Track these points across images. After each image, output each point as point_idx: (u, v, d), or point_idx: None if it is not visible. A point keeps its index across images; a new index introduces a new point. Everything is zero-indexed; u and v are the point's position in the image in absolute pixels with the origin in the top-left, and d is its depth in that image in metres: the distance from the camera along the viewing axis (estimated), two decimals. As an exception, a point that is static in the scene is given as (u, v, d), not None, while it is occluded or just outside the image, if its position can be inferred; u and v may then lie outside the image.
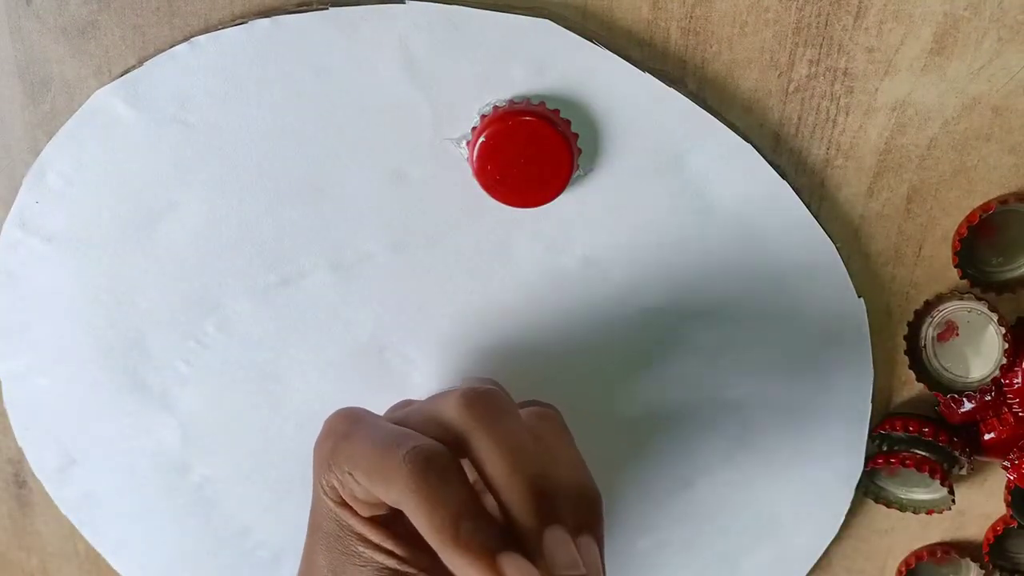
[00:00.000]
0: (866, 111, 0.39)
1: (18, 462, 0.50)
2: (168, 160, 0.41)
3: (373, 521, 0.37)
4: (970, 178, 0.40)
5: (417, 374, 0.45)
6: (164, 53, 0.39)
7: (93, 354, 0.45)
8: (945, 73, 0.38)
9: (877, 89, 0.39)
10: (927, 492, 0.47)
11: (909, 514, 0.47)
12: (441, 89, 0.39)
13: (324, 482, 0.37)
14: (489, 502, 0.34)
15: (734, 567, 0.49)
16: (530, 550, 0.33)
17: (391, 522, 0.37)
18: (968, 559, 0.48)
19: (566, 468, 0.36)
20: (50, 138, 0.41)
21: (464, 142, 0.39)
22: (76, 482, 0.49)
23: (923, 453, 0.45)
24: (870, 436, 0.46)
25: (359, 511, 0.36)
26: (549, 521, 0.33)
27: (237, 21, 0.38)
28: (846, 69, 0.38)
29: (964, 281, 0.42)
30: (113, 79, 0.40)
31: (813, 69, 0.38)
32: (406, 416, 0.37)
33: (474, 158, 0.38)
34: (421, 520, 0.33)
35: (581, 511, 0.35)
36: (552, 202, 0.39)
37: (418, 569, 0.37)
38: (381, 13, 0.38)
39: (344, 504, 0.37)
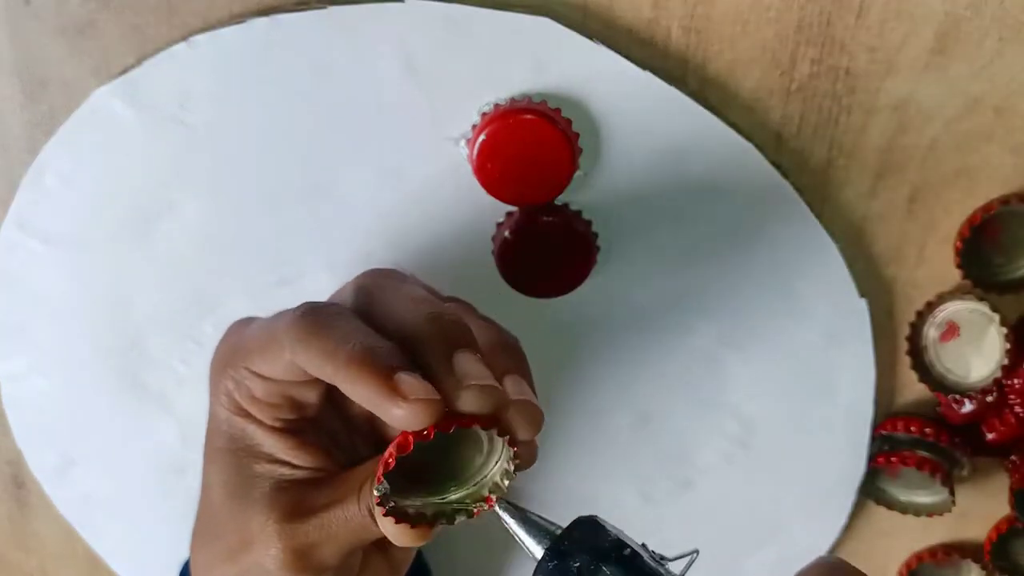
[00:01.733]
0: (868, 111, 0.39)
1: (17, 463, 0.50)
2: (167, 160, 0.41)
3: (276, 431, 0.33)
4: (972, 178, 0.40)
5: (417, 375, 0.45)
6: (163, 52, 0.39)
7: (92, 354, 0.45)
8: (947, 73, 0.38)
9: (879, 88, 0.38)
10: (928, 494, 0.47)
11: (910, 516, 0.47)
12: (440, 88, 0.39)
13: (221, 390, 0.33)
14: None
15: (735, 568, 0.49)
16: (437, 377, 0.29)
17: (296, 432, 0.33)
18: (969, 560, 0.48)
19: (477, 323, 0.33)
20: (49, 138, 0.41)
21: (463, 141, 0.39)
22: (75, 483, 0.49)
23: (925, 453, 0.45)
24: (872, 437, 0.46)
25: (260, 416, 0.33)
26: (459, 346, 0.29)
27: (236, 20, 0.38)
28: (848, 68, 0.38)
29: (966, 281, 0.42)
30: (112, 78, 0.40)
31: (815, 68, 0.38)
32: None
33: (474, 156, 0.38)
34: (312, 355, 0.29)
35: (503, 358, 0.32)
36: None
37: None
38: (380, 12, 0.37)
39: (242, 412, 0.33)
